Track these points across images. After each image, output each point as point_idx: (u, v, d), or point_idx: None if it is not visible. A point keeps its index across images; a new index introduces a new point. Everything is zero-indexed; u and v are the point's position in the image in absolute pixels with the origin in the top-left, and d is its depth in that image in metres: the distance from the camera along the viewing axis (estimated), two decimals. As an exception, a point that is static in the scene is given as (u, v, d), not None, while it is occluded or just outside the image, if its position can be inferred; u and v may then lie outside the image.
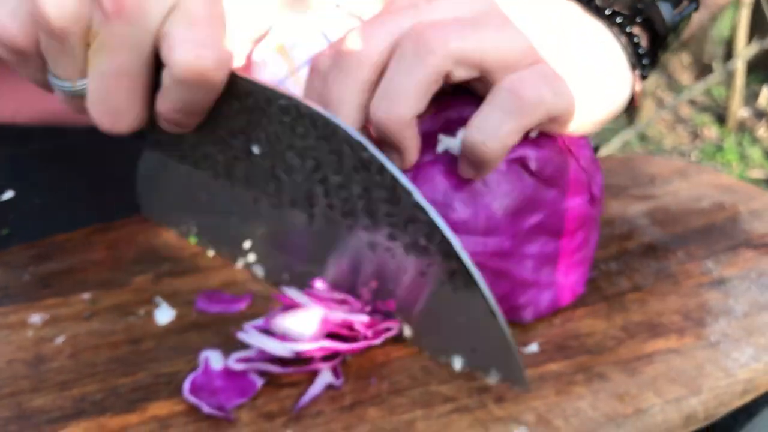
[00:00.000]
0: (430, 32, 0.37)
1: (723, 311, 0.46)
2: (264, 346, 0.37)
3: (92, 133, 0.64)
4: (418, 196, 0.36)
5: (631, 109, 0.47)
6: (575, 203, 0.43)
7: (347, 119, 0.39)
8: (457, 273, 0.37)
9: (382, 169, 0.37)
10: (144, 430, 0.36)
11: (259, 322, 0.40)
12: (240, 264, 0.48)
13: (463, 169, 0.39)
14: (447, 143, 0.40)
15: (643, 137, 2.79)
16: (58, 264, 0.49)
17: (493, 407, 0.38)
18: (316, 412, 0.37)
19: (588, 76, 0.41)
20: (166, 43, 0.37)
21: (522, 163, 0.40)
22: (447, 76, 0.38)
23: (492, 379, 0.39)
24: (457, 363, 0.40)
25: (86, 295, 0.46)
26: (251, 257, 0.47)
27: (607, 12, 0.43)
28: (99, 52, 0.37)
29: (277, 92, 0.38)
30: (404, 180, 0.37)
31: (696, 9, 0.47)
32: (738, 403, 0.40)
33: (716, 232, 0.54)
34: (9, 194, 0.57)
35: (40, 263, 0.49)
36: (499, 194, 0.40)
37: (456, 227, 0.39)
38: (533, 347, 0.42)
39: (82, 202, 0.58)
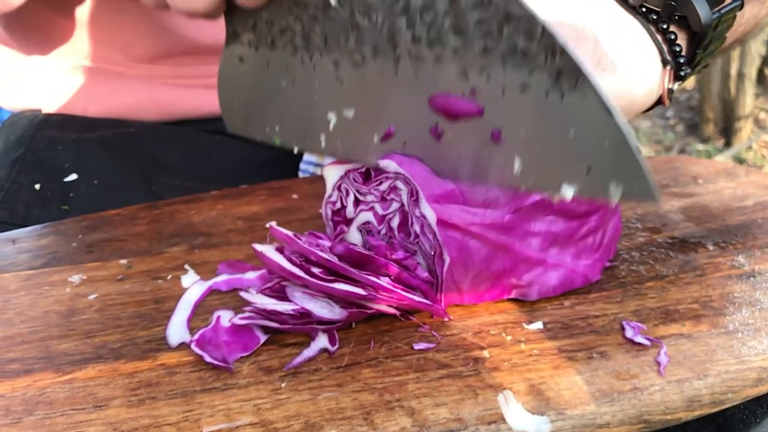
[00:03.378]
0: None
1: (748, 302, 0.44)
2: (262, 305, 0.39)
3: (149, 126, 0.70)
4: None
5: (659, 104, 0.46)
6: None
7: None
8: (564, 72, 0.33)
9: None
10: (152, 375, 0.39)
11: (266, 285, 0.42)
12: (323, 143, 0.45)
13: None
14: None
15: (741, 161, 2.67)
16: (103, 234, 0.53)
17: (486, 375, 0.38)
18: (314, 369, 0.39)
19: (607, 66, 0.41)
20: None
21: None
22: None
23: (614, 195, 0.33)
24: (569, 191, 0.34)
25: (123, 261, 0.49)
26: (333, 139, 0.44)
27: (640, 9, 0.43)
28: None
29: None
30: None
31: (740, 8, 0.46)
32: (752, 392, 0.39)
33: (754, 229, 0.52)
34: (73, 176, 0.62)
35: (88, 233, 0.53)
36: None
37: (454, 197, 0.40)
38: (538, 324, 0.42)
39: (135, 187, 0.62)
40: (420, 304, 0.40)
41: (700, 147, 2.84)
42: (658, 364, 0.39)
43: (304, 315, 0.39)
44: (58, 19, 0.69)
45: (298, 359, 0.39)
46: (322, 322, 0.39)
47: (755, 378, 0.39)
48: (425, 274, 0.41)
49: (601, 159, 0.33)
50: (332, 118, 0.43)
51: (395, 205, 0.42)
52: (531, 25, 0.33)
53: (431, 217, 0.40)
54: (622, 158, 0.32)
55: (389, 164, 0.41)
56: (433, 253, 0.40)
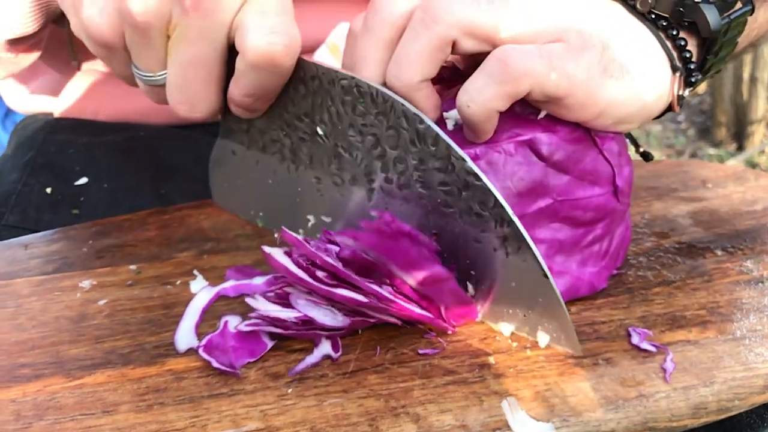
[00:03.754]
0: (439, 2, 0.38)
1: (756, 309, 0.44)
2: (267, 311, 0.39)
3: (159, 130, 0.70)
4: (472, 164, 0.38)
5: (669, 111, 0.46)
6: (593, 193, 0.42)
7: (370, 74, 0.41)
8: (510, 238, 0.38)
9: (437, 139, 0.39)
10: (160, 381, 0.39)
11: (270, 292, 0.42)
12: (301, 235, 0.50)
13: (466, 133, 0.41)
14: (450, 115, 0.41)
15: (753, 165, 2.65)
16: (114, 240, 0.54)
17: (492, 382, 0.38)
18: (320, 375, 0.39)
19: (615, 72, 0.41)
20: (239, 32, 0.40)
21: (531, 145, 0.41)
22: (455, 46, 0.39)
23: (542, 341, 0.40)
24: (507, 328, 0.41)
25: (133, 267, 0.50)
26: (311, 235, 0.49)
27: (649, 16, 0.43)
28: (178, 43, 0.41)
29: (340, 73, 0.41)
30: (458, 149, 0.38)
31: (751, 12, 0.46)
32: (758, 399, 0.39)
33: (764, 234, 0.52)
34: (83, 180, 0.63)
35: (99, 238, 0.54)
36: (502, 175, 0.40)
37: None
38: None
39: (144, 190, 0.63)
40: (421, 317, 0.40)
41: (712, 151, 2.82)
42: (664, 370, 0.39)
43: (307, 322, 0.39)
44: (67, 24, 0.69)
45: (301, 366, 0.39)
46: (325, 329, 0.40)
47: (762, 385, 0.38)
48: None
49: (535, 310, 0.39)
50: (311, 218, 0.49)
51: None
52: (486, 196, 0.38)
53: None
54: (552, 314, 0.39)
55: None
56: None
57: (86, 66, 0.71)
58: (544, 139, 0.41)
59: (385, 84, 0.41)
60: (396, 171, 0.42)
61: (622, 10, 0.43)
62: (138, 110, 0.71)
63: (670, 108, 0.45)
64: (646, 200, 0.58)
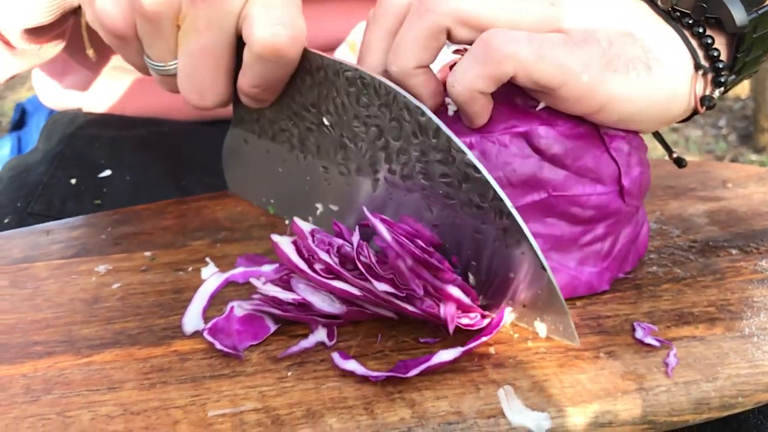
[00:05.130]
0: None
1: (766, 307, 0.43)
2: (266, 291, 0.40)
3: (182, 125, 0.72)
4: (471, 156, 0.38)
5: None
6: (594, 191, 0.42)
7: (373, 61, 0.42)
8: (509, 230, 0.38)
9: (437, 131, 0.39)
10: (165, 361, 0.40)
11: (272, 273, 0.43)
12: (310, 222, 0.51)
13: (463, 118, 0.41)
14: (449, 101, 0.42)
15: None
16: (132, 228, 0.55)
17: (490, 371, 0.38)
18: (320, 359, 0.39)
19: (619, 68, 0.40)
20: (246, 23, 0.41)
21: (527, 138, 0.41)
22: (450, 35, 0.40)
23: (540, 331, 0.40)
24: (509, 317, 0.41)
25: (148, 253, 0.51)
26: (319, 223, 0.50)
27: (669, 11, 0.42)
28: (187, 33, 0.42)
29: (344, 64, 0.42)
30: (458, 141, 0.38)
31: None
32: (764, 397, 0.38)
33: (781, 234, 0.51)
34: (107, 172, 0.64)
35: (117, 226, 0.55)
36: (494, 165, 0.40)
37: None
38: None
39: (165, 183, 0.64)
40: (415, 314, 0.40)
41: (754, 157, 2.76)
42: (667, 365, 0.38)
43: (306, 306, 0.40)
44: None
45: (294, 348, 0.40)
46: (323, 315, 0.40)
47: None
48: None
49: (534, 301, 0.39)
50: (319, 206, 0.50)
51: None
52: (485, 188, 0.38)
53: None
54: (550, 306, 0.39)
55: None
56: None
57: (113, 63, 0.74)
58: (541, 132, 0.41)
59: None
60: (399, 162, 0.42)
61: (644, 8, 0.43)
62: (164, 106, 0.73)
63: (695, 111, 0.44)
64: (663, 199, 0.57)
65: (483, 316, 0.41)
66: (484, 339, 0.39)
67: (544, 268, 0.38)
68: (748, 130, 2.96)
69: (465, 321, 0.39)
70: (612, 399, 0.36)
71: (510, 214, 0.38)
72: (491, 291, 0.41)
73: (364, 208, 0.40)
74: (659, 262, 0.48)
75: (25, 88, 3.01)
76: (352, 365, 0.37)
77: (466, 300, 0.39)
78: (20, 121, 1.80)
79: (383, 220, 0.40)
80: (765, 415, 0.42)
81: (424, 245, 0.39)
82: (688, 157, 0.63)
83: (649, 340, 0.40)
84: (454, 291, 0.39)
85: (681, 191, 0.59)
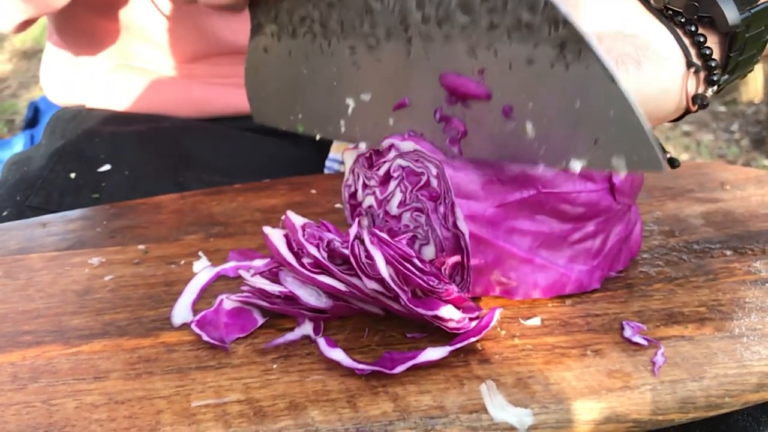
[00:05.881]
0: None
1: (758, 308, 0.43)
2: (253, 283, 0.40)
3: (183, 122, 0.72)
4: None
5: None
6: (584, 188, 0.42)
7: None
8: (568, 42, 0.34)
9: None
10: (152, 352, 0.40)
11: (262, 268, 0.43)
12: (342, 128, 0.47)
13: None
14: None
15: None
16: (127, 222, 0.55)
17: (476, 367, 0.38)
18: (306, 353, 0.40)
19: (617, 64, 0.39)
20: None
21: None
22: None
23: (620, 166, 0.34)
24: (577, 165, 0.36)
25: (141, 246, 0.51)
26: (352, 124, 0.46)
27: (661, 10, 0.42)
28: None
29: None
30: None
31: None
32: (752, 397, 0.38)
33: (777, 236, 0.51)
34: (106, 167, 0.65)
35: (113, 220, 0.56)
36: (484, 162, 0.40)
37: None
38: (535, 321, 0.42)
39: (163, 178, 0.65)
40: (399, 312, 0.40)
41: (767, 162, 2.74)
42: (653, 364, 0.38)
43: (292, 299, 0.40)
44: (103, 22, 0.72)
45: (280, 340, 0.40)
46: (309, 308, 0.40)
47: (756, 383, 0.37)
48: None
49: (607, 129, 0.34)
50: (350, 103, 0.45)
51: (392, 186, 0.43)
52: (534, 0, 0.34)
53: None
54: (627, 127, 0.33)
55: (402, 144, 0.41)
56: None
57: (117, 61, 0.74)
58: None
59: None
60: (432, 3, 0.38)
61: (636, 5, 0.43)
62: (165, 103, 0.74)
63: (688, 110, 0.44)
64: (660, 200, 0.57)
65: (471, 319, 0.40)
66: (472, 339, 0.39)
67: (613, 81, 0.33)
68: (761, 134, 2.93)
69: (452, 325, 0.39)
70: (597, 397, 0.36)
71: (566, 21, 0.33)
72: (555, 135, 0.36)
73: (355, 227, 0.39)
74: (652, 262, 0.48)
75: (38, 87, 3.03)
76: (337, 354, 0.37)
77: (457, 316, 0.39)
78: (33, 119, 1.81)
79: (381, 241, 0.39)
80: (754, 418, 0.42)
81: (422, 267, 0.39)
82: (699, 162, 0.62)
83: (637, 338, 0.40)
84: (448, 311, 0.39)
85: (679, 192, 0.58)
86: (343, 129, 0.46)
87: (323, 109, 0.47)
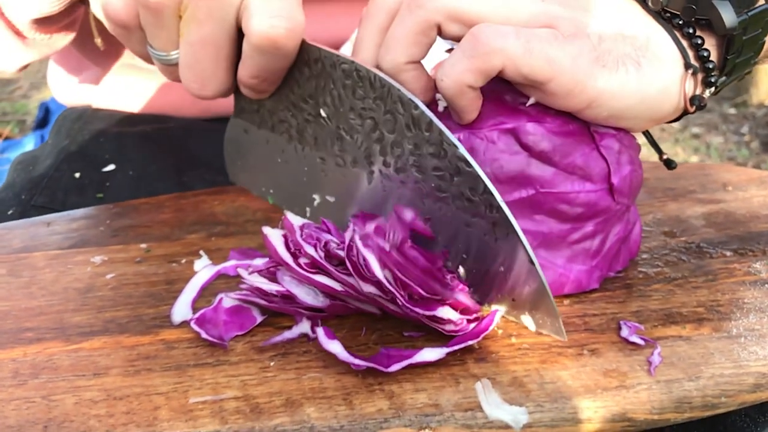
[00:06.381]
0: None
1: (757, 309, 0.43)
2: (251, 281, 0.40)
3: (187, 122, 0.73)
4: (463, 150, 0.39)
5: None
6: (583, 188, 0.42)
7: (365, 56, 0.42)
8: (498, 224, 0.39)
9: (430, 125, 0.40)
10: (151, 349, 0.40)
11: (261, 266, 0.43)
12: (308, 213, 0.52)
13: (452, 114, 0.42)
14: (439, 96, 0.42)
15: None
16: (130, 221, 0.56)
17: (472, 365, 0.38)
18: (303, 351, 0.40)
19: (608, 63, 0.40)
20: (245, 15, 0.42)
21: (515, 134, 0.41)
22: (441, 31, 0.40)
23: (529, 325, 0.41)
24: (499, 311, 0.41)
25: (144, 245, 0.52)
26: (316, 213, 0.51)
27: (659, 12, 0.42)
28: (188, 23, 0.43)
29: (341, 57, 0.43)
30: (450, 135, 0.39)
31: None
32: (749, 398, 0.38)
33: (778, 237, 0.51)
34: (111, 167, 0.65)
35: (116, 219, 0.56)
36: (482, 161, 0.40)
37: None
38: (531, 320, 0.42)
39: (167, 178, 0.65)
40: (395, 313, 0.40)
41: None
42: (650, 363, 0.38)
43: (289, 298, 0.40)
44: None
45: (277, 338, 0.40)
46: (306, 307, 0.40)
47: (753, 383, 0.37)
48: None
49: (523, 295, 0.40)
50: (317, 197, 0.50)
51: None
52: (476, 182, 0.39)
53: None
54: (538, 300, 0.39)
55: None
56: None
57: (122, 61, 0.75)
58: (529, 129, 0.41)
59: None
60: (393, 155, 0.43)
61: (635, 7, 0.43)
62: (170, 103, 0.74)
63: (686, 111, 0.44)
64: (661, 200, 0.57)
65: (469, 321, 0.40)
66: (470, 342, 0.39)
67: (532, 263, 0.38)
68: (771, 137, 2.91)
69: (450, 327, 0.39)
70: (592, 395, 0.36)
71: (500, 207, 0.38)
72: (481, 284, 0.41)
73: (350, 231, 0.41)
74: (651, 263, 0.48)
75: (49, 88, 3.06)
76: (335, 347, 0.38)
77: (455, 317, 0.39)
78: (44, 120, 1.82)
79: (380, 251, 0.39)
80: (752, 419, 0.42)
81: (422, 269, 0.39)
82: (701, 163, 0.62)
83: (634, 338, 0.40)
84: (446, 312, 0.39)
85: (680, 193, 0.58)
86: (308, 214, 0.51)
87: (292, 194, 0.52)
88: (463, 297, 0.40)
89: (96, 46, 0.58)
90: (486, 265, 0.41)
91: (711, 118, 2.85)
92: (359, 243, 0.39)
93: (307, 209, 0.51)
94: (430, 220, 0.42)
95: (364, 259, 0.39)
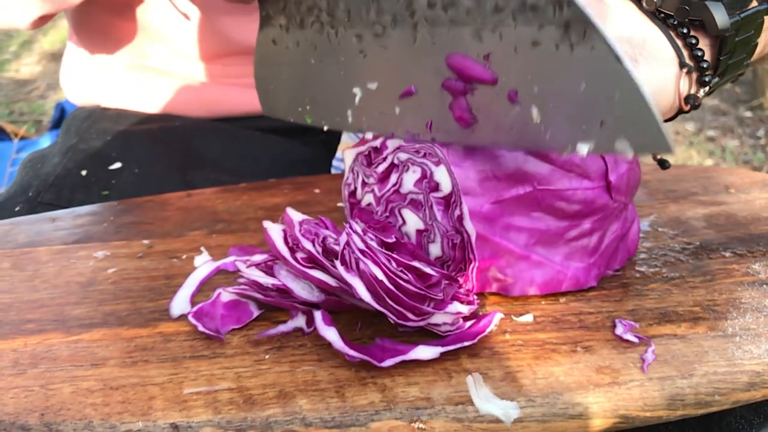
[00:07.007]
0: None
1: (754, 308, 0.43)
2: (248, 275, 0.41)
3: (194, 121, 0.73)
4: None
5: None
6: (580, 186, 0.42)
7: None
8: (572, 22, 0.34)
9: None
10: (149, 341, 0.41)
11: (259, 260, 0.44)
12: (350, 118, 0.47)
13: None
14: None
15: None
16: (133, 218, 0.57)
17: (465, 360, 0.38)
18: (298, 344, 0.40)
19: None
20: None
21: None
22: None
23: (626, 149, 0.33)
24: (583, 148, 0.35)
25: (146, 241, 0.53)
26: (359, 114, 0.46)
27: (654, 12, 0.43)
28: None
29: None
30: None
31: (767, 12, 0.45)
32: (743, 396, 0.37)
33: (778, 239, 0.51)
34: (117, 165, 0.66)
35: (120, 216, 0.57)
36: (480, 159, 0.41)
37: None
38: (528, 317, 0.42)
39: (172, 176, 0.66)
40: (384, 313, 0.40)
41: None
42: (643, 361, 0.38)
43: (285, 292, 0.41)
44: (120, 22, 0.74)
45: (272, 331, 0.40)
46: (301, 301, 0.41)
47: (746, 382, 0.37)
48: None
49: (613, 111, 0.33)
50: (357, 92, 0.45)
51: (390, 184, 0.43)
52: None
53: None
54: (633, 109, 0.32)
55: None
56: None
57: (131, 61, 0.76)
58: None
59: None
60: None
61: (630, 7, 0.43)
62: (178, 102, 0.75)
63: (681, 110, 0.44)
64: (662, 202, 0.57)
65: (466, 319, 0.41)
66: (466, 344, 0.39)
67: (619, 60, 0.32)
68: (788, 140, 2.89)
69: (445, 328, 0.40)
70: (584, 391, 0.36)
71: (571, 2, 0.33)
72: (561, 119, 0.36)
73: (344, 237, 0.40)
74: (649, 262, 0.48)
75: (64, 90, 3.09)
76: (331, 334, 0.38)
77: (450, 319, 0.40)
78: (60, 120, 1.85)
79: (376, 261, 0.39)
80: (747, 420, 0.42)
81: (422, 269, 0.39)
82: (704, 165, 0.62)
83: (629, 336, 0.40)
84: (440, 318, 0.39)
85: (682, 195, 0.58)
86: (350, 119, 0.46)
87: (331, 99, 0.47)
88: (459, 307, 0.40)
89: (105, 32, 0.56)
90: (565, 89, 0.35)
91: (726, 122, 2.82)
92: (345, 271, 0.39)
93: (349, 113, 0.46)
94: (488, 57, 0.37)
95: (351, 285, 0.38)
